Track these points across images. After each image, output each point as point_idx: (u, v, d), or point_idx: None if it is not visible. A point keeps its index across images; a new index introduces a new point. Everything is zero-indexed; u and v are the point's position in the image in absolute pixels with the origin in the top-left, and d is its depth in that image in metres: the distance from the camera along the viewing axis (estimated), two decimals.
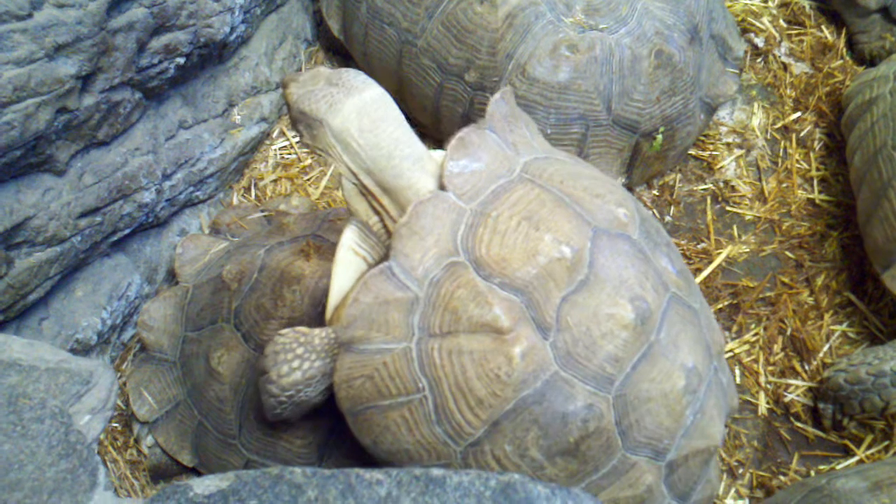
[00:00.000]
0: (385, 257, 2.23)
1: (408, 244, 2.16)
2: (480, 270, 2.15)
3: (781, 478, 3.22)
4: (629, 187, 3.75)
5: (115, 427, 3.21)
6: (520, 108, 2.59)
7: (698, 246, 3.73)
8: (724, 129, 4.06)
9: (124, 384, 3.18)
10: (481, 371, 2.10)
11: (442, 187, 2.24)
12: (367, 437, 2.29)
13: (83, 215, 2.93)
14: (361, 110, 2.28)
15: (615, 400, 2.20)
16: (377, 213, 2.38)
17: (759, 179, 3.93)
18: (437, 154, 2.37)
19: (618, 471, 2.26)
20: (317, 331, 2.36)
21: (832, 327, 3.51)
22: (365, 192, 2.36)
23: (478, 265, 2.15)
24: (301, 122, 2.35)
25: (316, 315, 2.76)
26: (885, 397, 3.10)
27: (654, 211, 3.82)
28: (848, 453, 3.26)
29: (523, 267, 2.14)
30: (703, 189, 3.91)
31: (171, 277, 3.47)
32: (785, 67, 4.25)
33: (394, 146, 2.28)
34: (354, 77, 2.36)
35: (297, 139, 3.99)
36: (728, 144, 4.02)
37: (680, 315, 2.38)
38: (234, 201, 3.80)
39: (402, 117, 2.34)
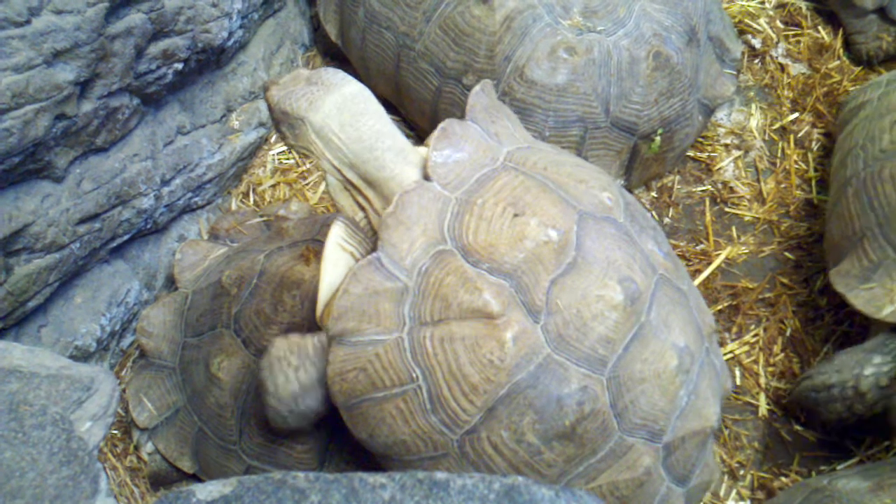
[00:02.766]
0: (373, 249, 2.24)
1: (394, 234, 2.17)
2: (468, 257, 2.16)
3: (783, 479, 3.22)
4: (628, 189, 3.75)
5: (115, 434, 3.20)
6: (501, 103, 2.61)
7: (697, 247, 3.73)
8: (721, 131, 4.06)
9: (124, 391, 3.17)
10: (474, 357, 2.11)
11: (426, 177, 2.25)
12: (362, 430, 2.29)
13: (82, 222, 2.92)
14: (341, 106, 2.31)
15: (609, 381, 2.21)
16: (362, 208, 2.40)
17: (758, 180, 3.94)
18: (421, 149, 2.39)
19: (615, 453, 2.26)
20: (309, 338, 2.36)
21: (832, 328, 3.50)
22: (349, 186, 2.37)
23: (466, 252, 2.16)
24: (283, 122, 2.38)
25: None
26: (833, 410, 3.10)
27: (653, 213, 3.82)
28: (849, 454, 3.25)
29: (511, 252, 2.15)
30: (702, 190, 3.91)
31: (171, 283, 3.47)
32: (782, 68, 4.25)
33: (375, 139, 2.31)
34: (333, 75, 2.39)
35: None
36: (726, 146, 4.02)
37: (669, 296, 2.39)
38: (233, 207, 3.80)
39: (382, 111, 2.38)
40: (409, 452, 2.26)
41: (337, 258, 2.38)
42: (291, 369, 2.34)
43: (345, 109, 2.31)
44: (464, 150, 2.31)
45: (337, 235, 2.39)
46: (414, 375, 2.17)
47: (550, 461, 2.20)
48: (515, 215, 2.19)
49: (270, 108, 2.41)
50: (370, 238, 2.42)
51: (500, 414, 2.15)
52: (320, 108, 2.31)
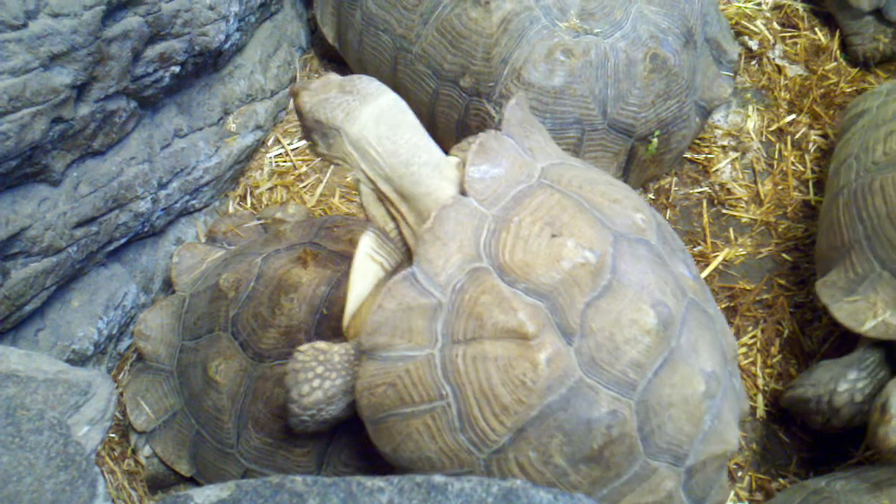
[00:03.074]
0: (404, 264, 2.22)
1: (430, 249, 2.15)
2: (504, 276, 2.14)
3: (781, 480, 3.22)
4: None
5: (113, 437, 3.19)
6: (533, 116, 2.58)
7: (695, 249, 3.73)
8: (719, 132, 4.07)
9: (121, 394, 3.17)
10: (506, 377, 2.09)
11: (463, 193, 2.23)
12: (387, 445, 2.28)
13: (79, 225, 2.92)
14: (379, 117, 2.27)
15: (637, 406, 2.19)
16: (394, 219, 2.37)
17: (755, 182, 3.94)
18: (452, 159, 2.37)
19: (639, 477, 2.24)
20: (336, 347, 2.34)
21: (829, 329, 3.50)
22: (383, 198, 2.35)
23: (502, 271, 2.14)
24: (315, 131, 2.32)
25: (314, 322, 2.75)
26: (814, 422, 3.12)
27: None
28: (846, 455, 3.25)
29: (547, 272, 2.13)
30: (699, 192, 3.92)
31: (168, 287, 3.47)
32: (779, 70, 4.26)
33: (412, 153, 2.27)
34: (368, 83, 2.35)
35: (292, 143, 3.99)
36: (723, 147, 4.03)
37: (698, 320, 2.37)
38: (230, 209, 3.80)
39: (418, 123, 2.34)
40: (433, 469, 2.24)
41: (366, 269, 2.36)
42: (318, 379, 2.32)
43: (382, 121, 2.26)
44: (501, 165, 2.28)
45: (367, 245, 2.37)
46: (444, 393, 2.15)
47: (576, 483, 2.19)
48: (553, 235, 2.16)
49: (301, 115, 2.34)
50: (400, 249, 2.40)
51: (530, 435, 2.13)
52: (357, 119, 2.25)
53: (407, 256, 2.37)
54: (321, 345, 2.36)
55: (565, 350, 2.13)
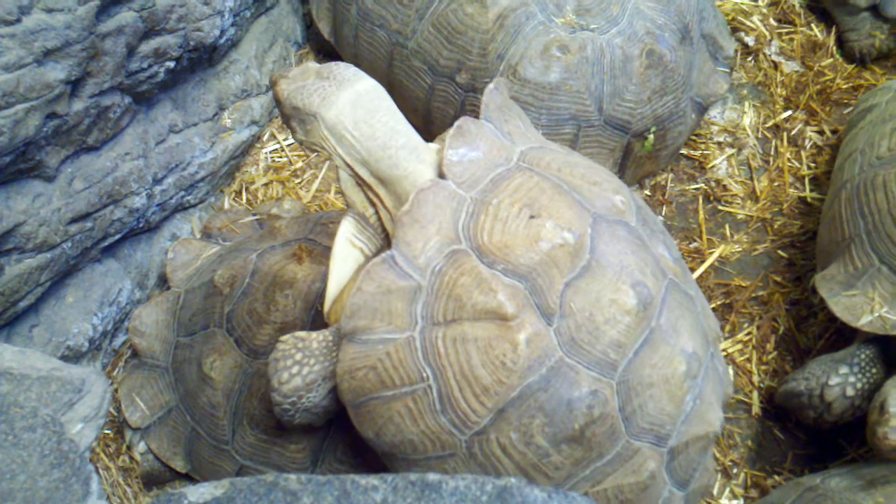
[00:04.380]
0: (384, 248, 2.21)
1: (409, 232, 2.15)
2: (483, 258, 2.15)
3: (776, 477, 3.22)
4: None
5: (107, 434, 3.19)
6: (512, 100, 2.59)
7: (690, 245, 3.73)
8: (715, 129, 4.06)
9: (116, 390, 3.16)
10: (486, 358, 2.10)
11: (441, 176, 2.23)
12: (369, 429, 2.28)
13: (73, 221, 2.91)
14: (355, 102, 2.27)
15: (619, 386, 2.20)
16: (373, 204, 2.37)
17: (751, 178, 3.94)
18: (432, 145, 2.37)
19: (622, 457, 2.26)
20: (314, 334, 2.35)
21: (825, 325, 3.51)
22: (361, 183, 2.35)
23: (480, 252, 2.15)
24: (293, 117, 2.33)
25: (309, 319, 2.75)
26: (806, 417, 3.13)
27: None
28: (841, 452, 3.26)
29: (526, 253, 2.14)
30: (695, 188, 3.91)
31: (163, 283, 3.46)
32: (775, 66, 4.25)
33: (389, 137, 2.28)
34: (345, 69, 2.35)
35: (287, 139, 3.98)
36: (719, 144, 4.02)
37: (678, 301, 2.38)
38: (226, 205, 3.79)
39: (395, 108, 2.34)
40: (415, 452, 2.25)
41: (346, 254, 2.37)
42: (296, 366, 2.33)
43: (358, 106, 2.27)
44: (479, 148, 2.29)
45: (346, 231, 2.37)
46: (424, 375, 2.15)
47: (558, 464, 2.20)
48: (531, 217, 2.17)
49: (280, 103, 2.35)
50: (380, 234, 2.41)
51: (510, 416, 2.14)
52: (333, 104, 2.26)
53: (386, 241, 2.38)
54: (301, 333, 2.37)
55: (545, 330, 2.13)
